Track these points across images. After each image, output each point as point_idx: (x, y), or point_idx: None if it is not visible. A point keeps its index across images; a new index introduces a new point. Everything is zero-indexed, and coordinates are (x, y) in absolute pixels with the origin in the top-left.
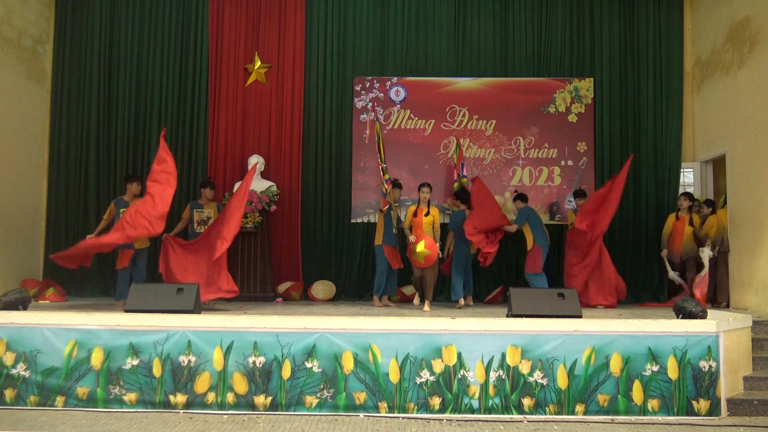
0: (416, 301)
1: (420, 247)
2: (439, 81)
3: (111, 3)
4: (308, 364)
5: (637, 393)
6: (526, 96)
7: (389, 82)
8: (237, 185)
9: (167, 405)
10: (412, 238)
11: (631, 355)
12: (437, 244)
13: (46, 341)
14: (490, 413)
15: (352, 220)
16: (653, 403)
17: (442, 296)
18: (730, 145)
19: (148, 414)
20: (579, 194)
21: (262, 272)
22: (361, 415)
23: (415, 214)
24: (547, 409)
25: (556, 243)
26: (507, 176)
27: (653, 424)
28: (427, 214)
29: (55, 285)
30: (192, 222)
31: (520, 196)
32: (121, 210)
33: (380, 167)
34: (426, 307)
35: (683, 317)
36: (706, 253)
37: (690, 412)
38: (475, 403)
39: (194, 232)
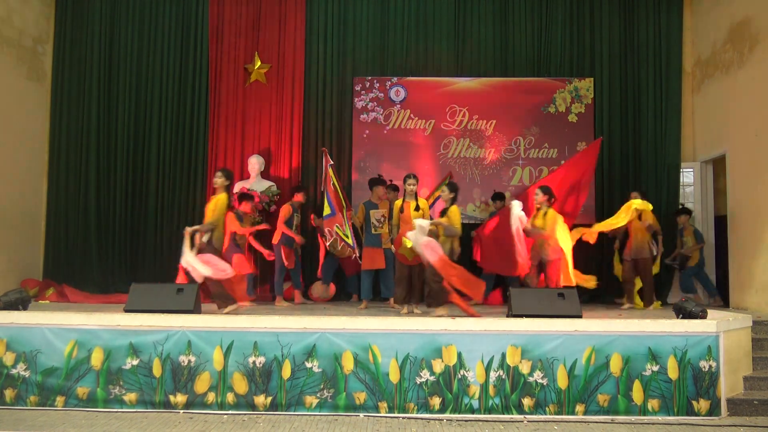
0: (404, 310)
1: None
2: (439, 81)
3: (111, 3)
4: (308, 364)
5: (637, 393)
6: (526, 96)
7: (389, 82)
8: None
9: (167, 405)
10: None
11: (631, 355)
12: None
13: (46, 341)
14: (490, 413)
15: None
16: (653, 403)
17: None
18: (730, 145)
19: (148, 414)
20: (497, 197)
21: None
22: (361, 415)
23: (401, 210)
24: (547, 409)
25: None
26: (507, 176)
27: (653, 424)
28: (417, 208)
29: (56, 285)
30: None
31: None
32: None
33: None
34: (416, 309)
35: (683, 317)
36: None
37: (690, 412)
38: (475, 403)
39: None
